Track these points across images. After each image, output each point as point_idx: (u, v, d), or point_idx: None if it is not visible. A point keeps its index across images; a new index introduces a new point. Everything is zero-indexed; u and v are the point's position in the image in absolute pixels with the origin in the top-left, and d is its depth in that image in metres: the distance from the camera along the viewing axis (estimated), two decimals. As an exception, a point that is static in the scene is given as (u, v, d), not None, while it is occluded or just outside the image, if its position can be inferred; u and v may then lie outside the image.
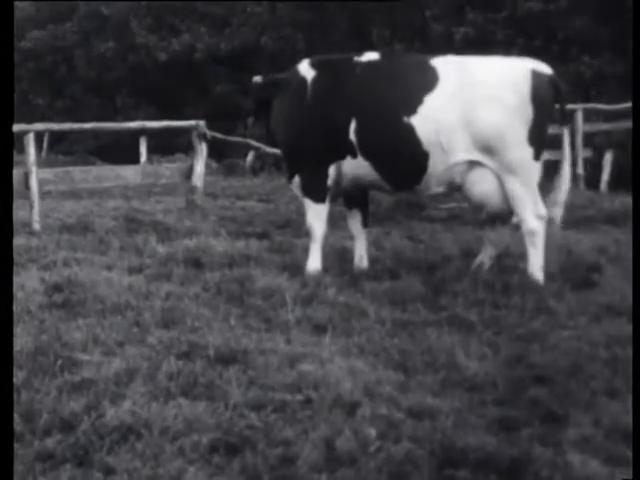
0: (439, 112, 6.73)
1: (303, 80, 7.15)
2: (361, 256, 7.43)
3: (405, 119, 6.79)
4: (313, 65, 7.21)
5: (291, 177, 7.34)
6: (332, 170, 7.09)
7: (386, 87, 6.94)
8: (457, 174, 6.83)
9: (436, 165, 6.80)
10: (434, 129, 6.72)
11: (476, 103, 6.72)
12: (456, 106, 6.73)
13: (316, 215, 7.19)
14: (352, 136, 6.94)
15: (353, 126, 6.93)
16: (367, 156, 6.94)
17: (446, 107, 6.73)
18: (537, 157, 6.79)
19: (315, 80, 7.11)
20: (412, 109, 6.77)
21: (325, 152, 7.04)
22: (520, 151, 6.73)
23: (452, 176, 6.85)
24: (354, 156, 6.98)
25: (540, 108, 6.75)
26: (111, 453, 3.79)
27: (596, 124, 14.71)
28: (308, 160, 7.10)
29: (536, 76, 6.77)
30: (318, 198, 7.17)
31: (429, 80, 6.81)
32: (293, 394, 4.36)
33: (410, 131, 6.77)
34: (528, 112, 6.72)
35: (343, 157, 7.02)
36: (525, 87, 6.73)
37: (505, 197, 6.78)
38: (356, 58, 7.15)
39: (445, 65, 6.88)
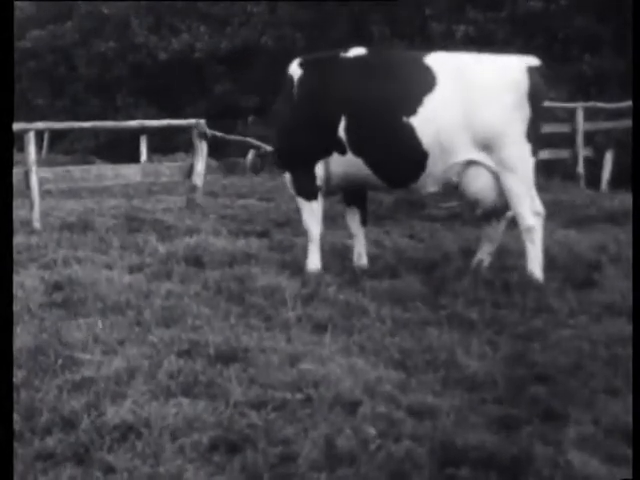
0: (438, 111, 6.73)
1: (290, 79, 7.22)
2: (360, 254, 7.44)
3: (404, 119, 6.77)
4: (300, 65, 7.25)
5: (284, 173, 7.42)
6: (320, 168, 7.10)
7: (377, 84, 6.93)
8: (454, 173, 6.83)
9: (434, 164, 6.80)
10: (433, 128, 6.72)
11: (475, 101, 6.72)
12: (455, 104, 6.73)
13: (311, 214, 7.24)
14: (342, 134, 6.94)
15: (343, 123, 6.92)
16: (359, 153, 6.93)
17: (445, 105, 6.73)
18: (534, 153, 6.83)
19: (301, 79, 7.15)
20: (411, 109, 6.76)
21: (311, 150, 7.07)
22: (518, 148, 6.75)
23: (449, 175, 6.85)
24: (342, 153, 6.97)
25: (537, 105, 6.81)
26: (111, 452, 3.79)
27: (597, 123, 14.71)
28: (296, 158, 7.16)
29: (533, 73, 6.80)
30: (309, 196, 7.21)
31: (425, 78, 6.80)
32: (293, 393, 4.37)
33: (410, 130, 6.75)
34: (526, 109, 6.75)
35: (329, 154, 7.03)
36: (523, 84, 6.76)
37: (499, 192, 6.80)
38: (342, 54, 7.17)
39: (439, 61, 6.88)
